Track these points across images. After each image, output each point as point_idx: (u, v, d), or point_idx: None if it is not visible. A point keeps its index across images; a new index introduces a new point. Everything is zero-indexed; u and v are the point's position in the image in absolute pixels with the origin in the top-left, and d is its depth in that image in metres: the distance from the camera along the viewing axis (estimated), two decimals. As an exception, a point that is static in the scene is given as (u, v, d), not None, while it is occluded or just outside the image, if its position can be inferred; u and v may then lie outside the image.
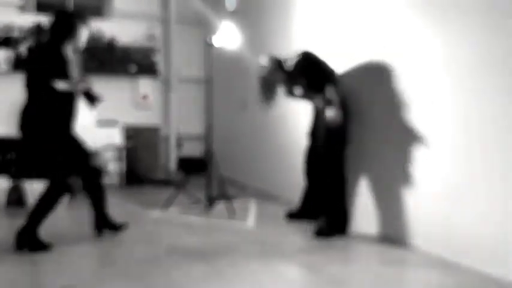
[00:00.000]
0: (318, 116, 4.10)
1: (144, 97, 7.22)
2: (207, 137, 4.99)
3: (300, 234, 3.95)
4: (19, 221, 3.56)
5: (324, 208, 3.98)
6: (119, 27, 6.90)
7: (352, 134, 4.00)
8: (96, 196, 3.72)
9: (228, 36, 5.06)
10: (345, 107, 3.89)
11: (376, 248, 3.59)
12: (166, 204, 4.92)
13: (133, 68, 6.98)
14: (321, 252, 3.48)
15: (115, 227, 3.82)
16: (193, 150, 7.26)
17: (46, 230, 3.54)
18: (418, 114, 3.47)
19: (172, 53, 7.31)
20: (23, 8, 6.50)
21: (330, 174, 3.92)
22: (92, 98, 3.57)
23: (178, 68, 7.33)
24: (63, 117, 3.48)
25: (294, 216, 4.40)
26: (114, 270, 3.07)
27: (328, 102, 3.84)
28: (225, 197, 4.81)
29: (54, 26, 3.49)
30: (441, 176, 3.28)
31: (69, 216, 4.68)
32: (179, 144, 7.33)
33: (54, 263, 3.17)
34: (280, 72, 4.15)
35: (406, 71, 3.57)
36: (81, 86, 3.46)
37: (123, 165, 6.38)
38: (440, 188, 3.29)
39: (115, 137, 6.34)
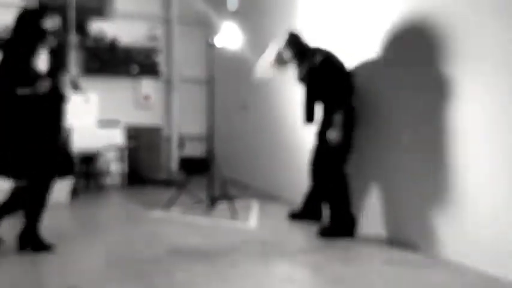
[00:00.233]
0: (326, 117, 4.00)
1: (146, 97, 7.22)
2: (209, 137, 4.99)
3: (302, 235, 3.95)
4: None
5: (327, 211, 3.96)
6: (120, 28, 6.90)
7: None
8: (36, 207, 3.35)
9: (229, 36, 5.05)
10: (353, 118, 3.85)
11: (381, 249, 3.57)
12: (168, 204, 4.92)
13: (135, 68, 6.98)
14: (323, 252, 3.47)
15: (41, 246, 3.39)
16: (195, 150, 7.25)
17: (47, 230, 3.53)
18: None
19: (174, 54, 7.32)
20: (24, 9, 6.49)
21: (332, 179, 3.90)
22: (76, 87, 3.46)
23: (180, 68, 7.33)
24: (35, 118, 3.28)
25: (296, 216, 4.39)
26: (117, 270, 3.07)
27: (332, 124, 3.81)
28: (227, 197, 4.81)
29: (18, 31, 3.31)
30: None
31: (70, 216, 4.68)
32: (181, 145, 7.32)
33: (56, 264, 3.17)
34: (294, 48, 4.08)
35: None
36: (43, 87, 3.23)
37: (125, 166, 6.38)
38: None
39: (117, 137, 6.33)
